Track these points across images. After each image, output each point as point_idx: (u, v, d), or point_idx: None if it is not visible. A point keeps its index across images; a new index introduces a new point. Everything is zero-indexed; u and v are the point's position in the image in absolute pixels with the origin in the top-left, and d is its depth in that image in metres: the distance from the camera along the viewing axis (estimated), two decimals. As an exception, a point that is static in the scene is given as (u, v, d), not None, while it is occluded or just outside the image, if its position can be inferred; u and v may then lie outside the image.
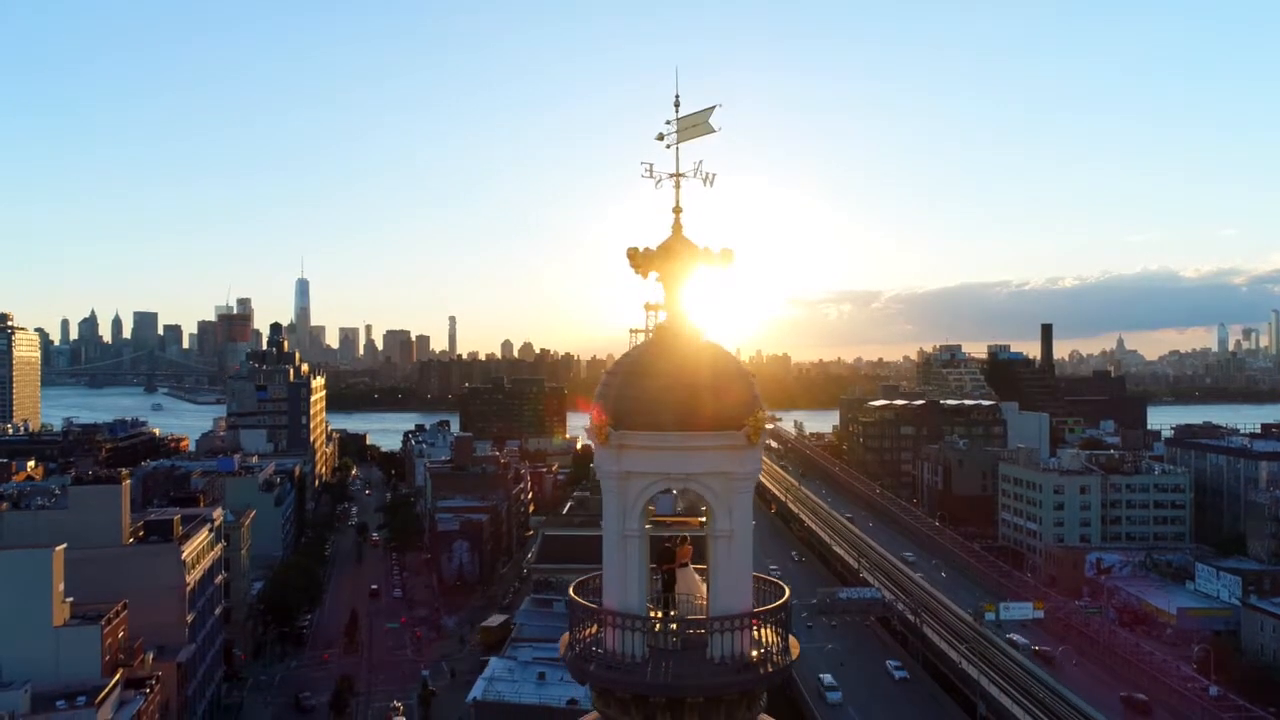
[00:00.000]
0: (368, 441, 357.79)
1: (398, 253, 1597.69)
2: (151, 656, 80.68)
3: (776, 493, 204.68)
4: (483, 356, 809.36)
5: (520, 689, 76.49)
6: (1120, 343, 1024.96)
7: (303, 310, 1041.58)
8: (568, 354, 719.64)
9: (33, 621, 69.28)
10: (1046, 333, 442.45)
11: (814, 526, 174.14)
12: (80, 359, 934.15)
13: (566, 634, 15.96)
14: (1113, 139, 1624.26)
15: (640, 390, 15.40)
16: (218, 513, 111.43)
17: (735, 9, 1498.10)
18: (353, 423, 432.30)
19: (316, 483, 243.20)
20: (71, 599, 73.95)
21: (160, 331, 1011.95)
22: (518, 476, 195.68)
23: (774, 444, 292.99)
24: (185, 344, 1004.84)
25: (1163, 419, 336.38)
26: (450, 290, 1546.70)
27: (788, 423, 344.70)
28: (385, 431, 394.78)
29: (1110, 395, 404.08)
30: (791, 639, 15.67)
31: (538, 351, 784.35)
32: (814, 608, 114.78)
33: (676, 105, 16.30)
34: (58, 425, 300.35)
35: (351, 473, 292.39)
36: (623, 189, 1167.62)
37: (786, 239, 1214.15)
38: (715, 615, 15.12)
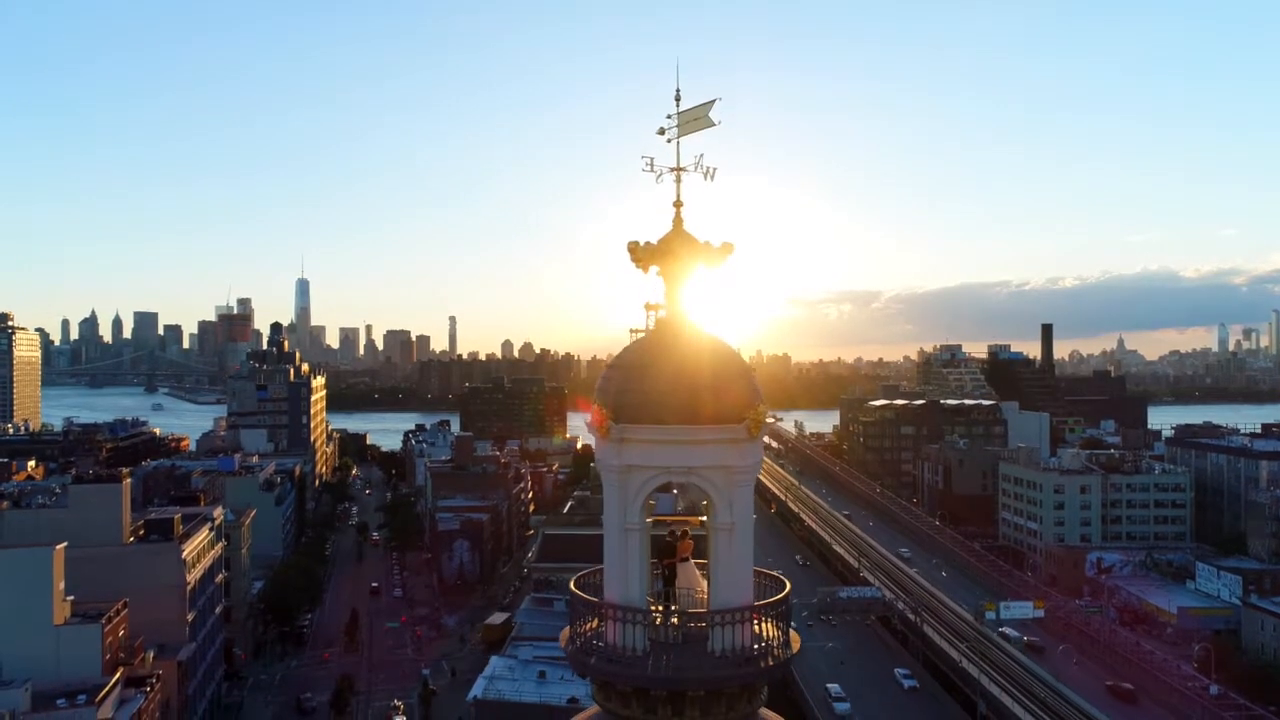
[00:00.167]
0: (368, 441, 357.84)
1: (398, 253, 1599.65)
2: (152, 655, 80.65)
3: (776, 492, 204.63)
4: (483, 356, 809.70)
5: (521, 687, 76.47)
6: (1120, 343, 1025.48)
7: (303, 310, 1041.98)
8: (568, 354, 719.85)
9: (33, 620, 69.30)
10: (1047, 333, 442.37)
11: (814, 526, 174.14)
12: (80, 359, 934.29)
13: (567, 628, 15.98)
14: (1113, 139, 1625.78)
15: (641, 384, 15.42)
16: (218, 512, 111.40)
17: (735, 9, 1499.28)
18: (353, 423, 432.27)
19: (317, 482, 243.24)
20: (72, 598, 73.96)
21: (160, 331, 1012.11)
22: (518, 476, 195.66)
23: (774, 444, 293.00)
24: (185, 344, 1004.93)
25: (1163, 419, 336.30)
26: (450, 290, 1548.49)
27: (788, 423, 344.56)
28: (385, 431, 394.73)
29: (1110, 395, 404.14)
30: (792, 633, 15.70)
31: (538, 351, 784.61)
32: (814, 607, 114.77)
33: (677, 100, 16.34)
34: (58, 425, 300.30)
35: (352, 472, 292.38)
36: (623, 189, 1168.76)
37: (786, 239, 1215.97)
38: (716, 609, 15.14)
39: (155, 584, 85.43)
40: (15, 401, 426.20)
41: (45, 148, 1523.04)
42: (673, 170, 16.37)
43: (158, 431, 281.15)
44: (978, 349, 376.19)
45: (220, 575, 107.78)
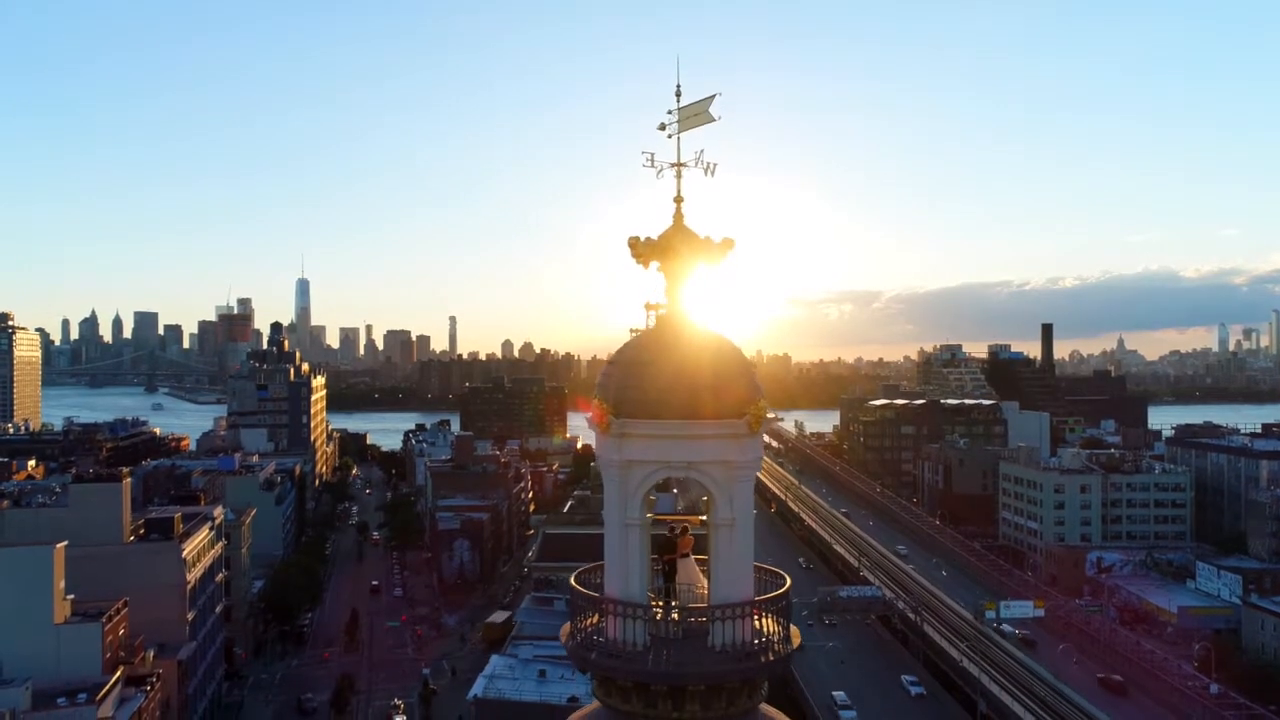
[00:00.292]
0: (368, 441, 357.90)
1: (398, 253, 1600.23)
2: (152, 654, 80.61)
3: (777, 491, 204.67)
4: (483, 356, 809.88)
5: (521, 686, 76.47)
6: (1121, 343, 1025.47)
7: (303, 310, 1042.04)
8: (568, 354, 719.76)
9: (33, 619, 69.23)
10: (1047, 333, 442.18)
11: (814, 525, 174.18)
12: (81, 359, 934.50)
13: (568, 623, 15.99)
14: (1113, 139, 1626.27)
15: (642, 379, 15.42)
16: (218, 511, 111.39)
17: (735, 9, 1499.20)
18: (353, 422, 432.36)
19: (317, 482, 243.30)
20: (72, 596, 73.89)
21: (161, 331, 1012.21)
22: (518, 475, 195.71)
23: (774, 443, 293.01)
24: (186, 344, 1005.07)
25: (1163, 419, 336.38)
26: (450, 290, 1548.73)
27: (788, 422, 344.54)
28: (386, 431, 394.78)
29: (1111, 395, 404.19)
30: (793, 628, 15.71)
31: (538, 351, 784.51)
32: (815, 606, 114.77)
33: (678, 95, 16.35)
34: (58, 425, 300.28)
35: (352, 472, 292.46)
36: (623, 189, 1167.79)
37: (786, 239, 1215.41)
38: (717, 603, 15.15)
39: (155, 583, 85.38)
40: (15, 401, 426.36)
41: (45, 148, 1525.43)
42: (673, 165, 16.38)
43: (158, 431, 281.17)
44: (978, 349, 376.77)
45: (220, 574, 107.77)
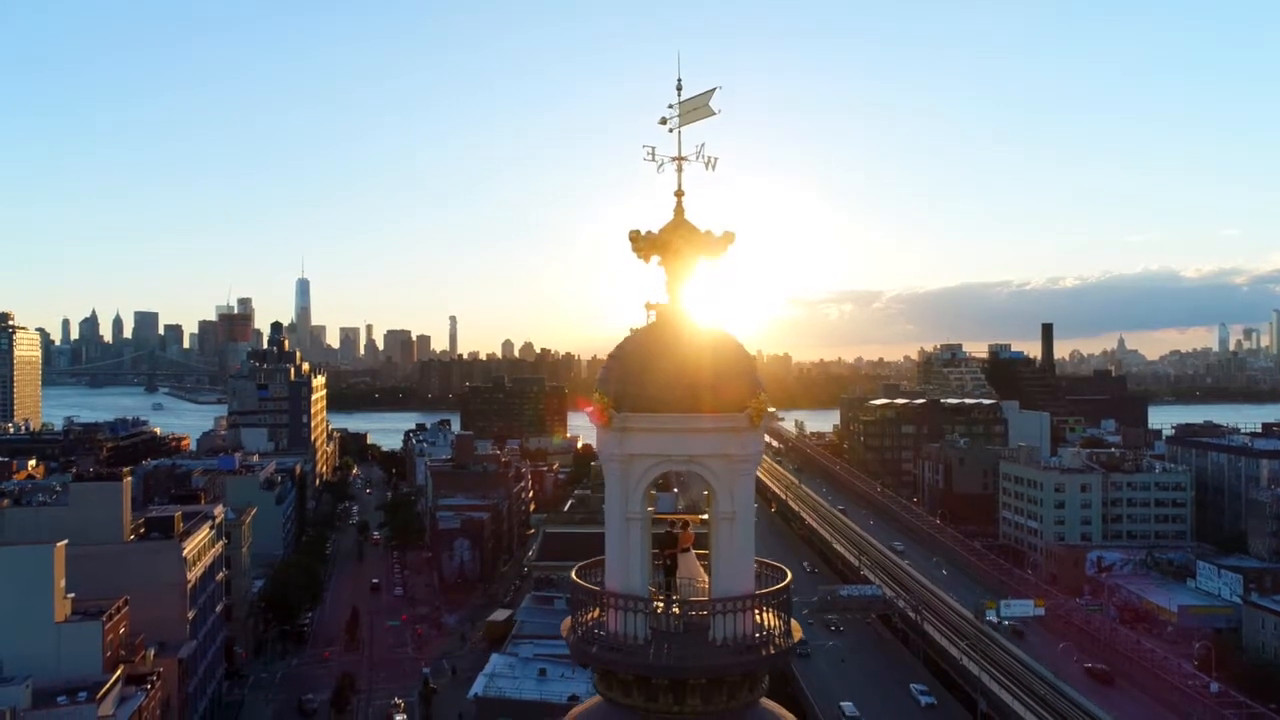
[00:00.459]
0: (368, 441, 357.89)
1: (398, 253, 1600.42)
2: (152, 653, 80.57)
3: (777, 491, 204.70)
4: (483, 356, 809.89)
5: (521, 685, 76.47)
6: (1121, 342, 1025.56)
7: (303, 310, 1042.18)
8: (568, 354, 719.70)
9: (34, 617, 69.19)
10: (1047, 332, 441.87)
11: (815, 525, 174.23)
12: (81, 359, 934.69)
13: (569, 618, 15.99)
14: (1113, 139, 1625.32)
15: (643, 373, 15.43)
16: (219, 510, 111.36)
17: (735, 9, 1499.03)
18: (353, 422, 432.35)
19: (317, 481, 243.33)
20: (73, 595, 73.82)
21: (161, 331, 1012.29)
22: (518, 475, 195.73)
23: (775, 443, 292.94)
24: (186, 344, 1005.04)
25: (1163, 419, 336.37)
26: (450, 290, 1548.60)
27: (788, 422, 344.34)
28: (386, 431, 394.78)
29: (1111, 395, 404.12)
30: (793, 622, 15.72)
31: (538, 351, 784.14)
32: (815, 605, 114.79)
33: (679, 89, 16.36)
34: (59, 425, 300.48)
35: (352, 472, 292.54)
36: (623, 189, 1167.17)
37: (786, 239, 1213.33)
38: (717, 597, 15.16)
39: (156, 582, 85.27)
40: (16, 401, 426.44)
41: (45, 148, 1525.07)
42: (674, 159, 16.41)
43: (158, 431, 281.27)
44: (978, 349, 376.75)
45: (221, 573, 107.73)
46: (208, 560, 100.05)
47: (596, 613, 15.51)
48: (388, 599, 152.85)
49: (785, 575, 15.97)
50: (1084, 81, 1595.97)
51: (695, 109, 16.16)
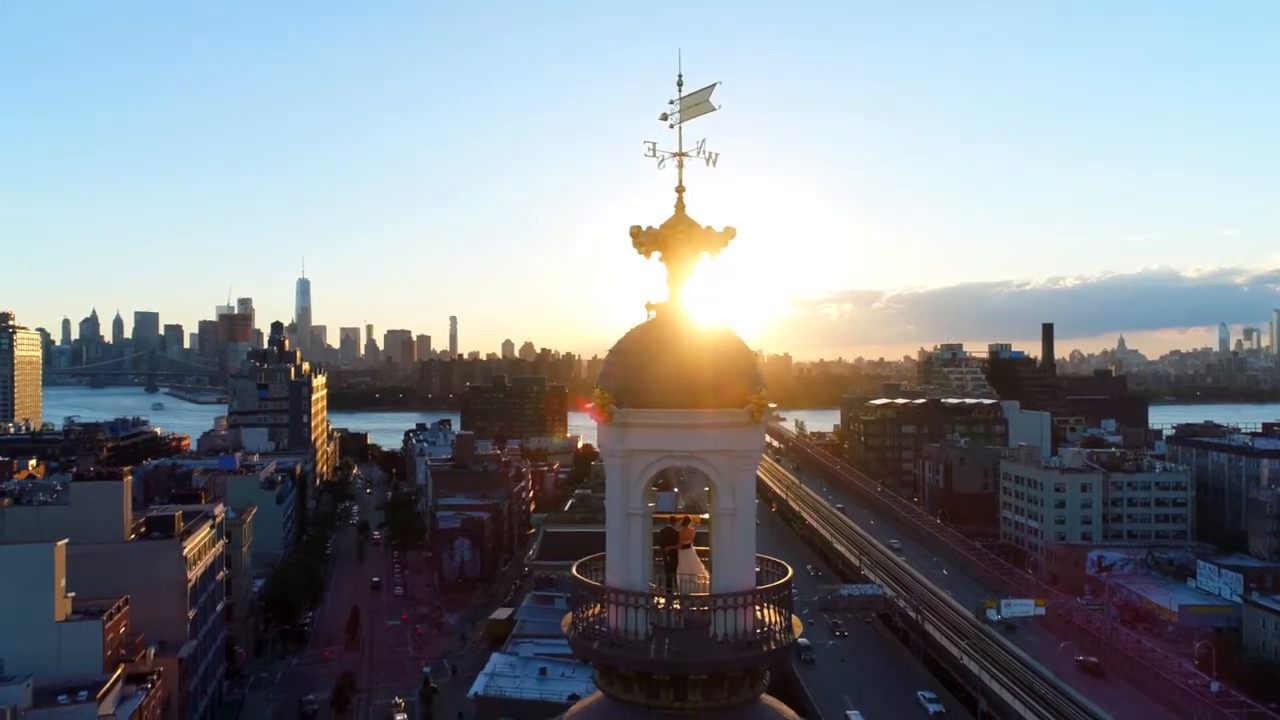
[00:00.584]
0: (369, 441, 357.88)
1: (398, 253, 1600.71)
2: (153, 652, 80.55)
3: (778, 491, 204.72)
4: (484, 356, 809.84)
5: (521, 684, 76.43)
6: (1121, 342, 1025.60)
7: (304, 310, 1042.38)
8: (569, 354, 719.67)
9: (34, 616, 69.13)
10: (1048, 332, 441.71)
11: (815, 525, 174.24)
12: (81, 359, 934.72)
13: (570, 614, 15.97)
14: (1113, 139, 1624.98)
15: (643, 368, 15.42)
16: (219, 510, 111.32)
17: (735, 9, 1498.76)
18: (354, 422, 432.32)
19: (318, 481, 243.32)
20: (73, 594, 73.74)
21: (161, 331, 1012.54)
22: (519, 475, 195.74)
23: (775, 443, 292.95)
24: (186, 344, 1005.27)
25: (1164, 418, 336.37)
26: (451, 290, 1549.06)
27: (789, 422, 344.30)
28: (386, 431, 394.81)
29: (1111, 395, 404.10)
30: (794, 618, 15.71)
31: (539, 351, 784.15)
32: (815, 604, 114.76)
33: (679, 85, 16.36)
34: (59, 425, 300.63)
35: (353, 472, 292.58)
36: (623, 189, 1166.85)
37: (786, 239, 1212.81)
38: (718, 592, 15.15)
39: (156, 581, 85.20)
40: (16, 401, 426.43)
41: (45, 148, 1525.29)
42: (675, 155, 16.41)
43: (158, 431, 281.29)
44: (979, 349, 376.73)
45: (221, 573, 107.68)
46: (208, 560, 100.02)
47: (597, 609, 15.49)
48: (388, 598, 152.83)
49: (786, 571, 15.96)
50: (1084, 81, 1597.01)
51: (696, 104, 16.16)
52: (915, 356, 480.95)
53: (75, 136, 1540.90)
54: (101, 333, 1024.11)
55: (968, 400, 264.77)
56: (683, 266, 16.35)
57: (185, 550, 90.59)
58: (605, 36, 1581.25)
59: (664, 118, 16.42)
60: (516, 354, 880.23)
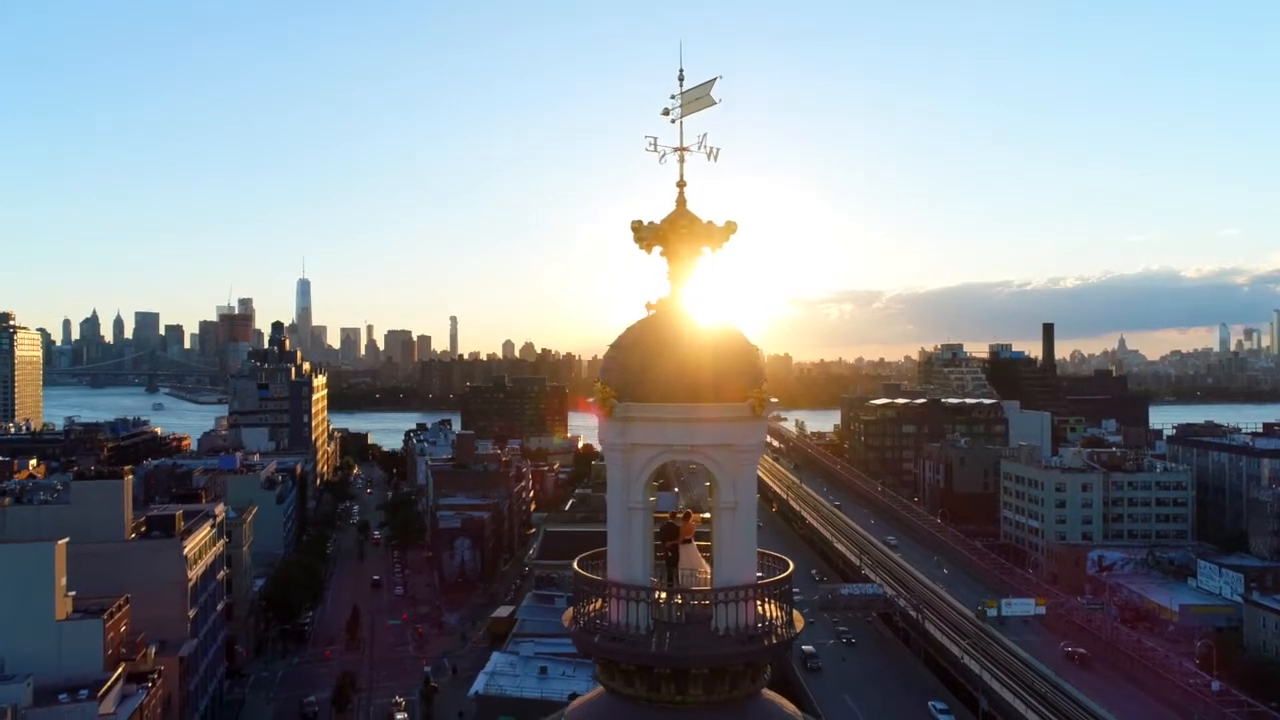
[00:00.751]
0: (369, 441, 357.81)
1: (398, 253, 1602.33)
2: (153, 651, 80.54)
3: (778, 491, 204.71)
4: (484, 356, 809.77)
5: (522, 683, 76.38)
6: (1122, 342, 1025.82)
7: (304, 310, 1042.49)
8: (569, 354, 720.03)
9: (35, 615, 69.14)
10: (1048, 332, 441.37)
11: (816, 524, 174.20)
12: (82, 359, 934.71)
13: (571, 609, 15.98)
14: (1113, 139, 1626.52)
15: (645, 363, 15.42)
16: (219, 509, 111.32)
17: (735, 9, 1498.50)
18: (354, 422, 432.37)
19: (318, 481, 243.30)
20: (74, 593, 73.73)
21: (162, 331, 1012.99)
22: (519, 474, 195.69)
23: (775, 443, 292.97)
24: (187, 344, 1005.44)
25: (1164, 418, 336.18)
26: (451, 290, 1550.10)
27: (789, 422, 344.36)
28: (387, 431, 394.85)
29: (1112, 395, 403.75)
30: (795, 614, 15.71)
31: (539, 351, 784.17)
32: (817, 604, 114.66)
33: (681, 79, 16.36)
34: (59, 425, 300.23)
35: (353, 471, 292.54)
36: (623, 189, 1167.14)
37: (786, 239, 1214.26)
38: (719, 587, 15.15)
39: (157, 580, 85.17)
40: (17, 401, 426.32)
41: (45, 148, 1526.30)
42: (676, 150, 16.42)
43: (159, 431, 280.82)
44: (979, 349, 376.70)
45: (222, 572, 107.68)
46: (209, 559, 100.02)
47: (599, 604, 15.51)
48: (388, 598, 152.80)
49: (787, 566, 15.97)
50: (1084, 81, 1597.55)
51: (697, 99, 16.17)
52: (915, 356, 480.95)
53: (75, 136, 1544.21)
54: (102, 333, 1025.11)
55: (968, 400, 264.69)
56: (684, 261, 16.35)
57: (186, 549, 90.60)
58: (605, 36, 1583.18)
59: (665, 112, 16.44)
60: (517, 354, 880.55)
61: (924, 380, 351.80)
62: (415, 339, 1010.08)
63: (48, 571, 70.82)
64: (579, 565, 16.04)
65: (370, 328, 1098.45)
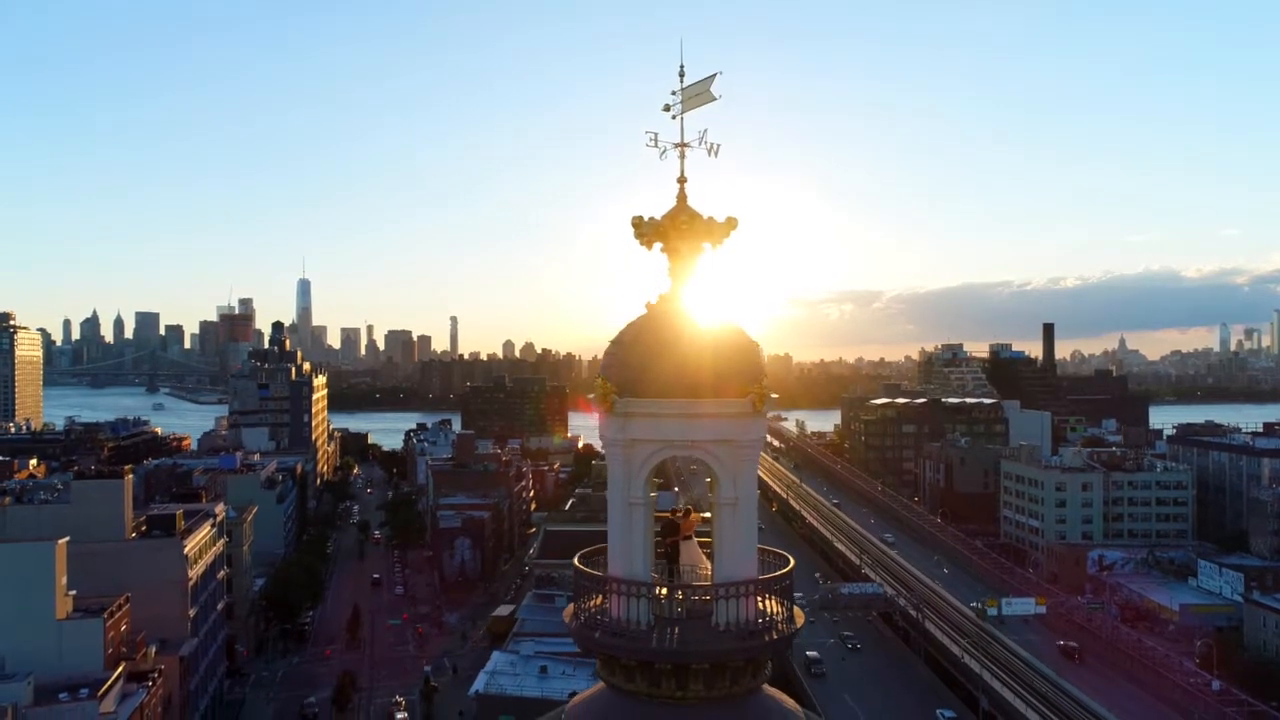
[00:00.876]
0: (369, 441, 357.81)
1: (398, 253, 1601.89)
2: (154, 650, 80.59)
3: (779, 490, 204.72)
4: (484, 356, 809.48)
5: (522, 682, 76.46)
6: (1122, 342, 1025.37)
7: (304, 310, 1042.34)
8: (569, 354, 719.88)
9: (35, 614, 69.18)
10: (1048, 332, 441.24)
11: (816, 524, 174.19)
12: (82, 359, 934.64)
13: (571, 605, 15.98)
14: (1113, 139, 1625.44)
15: (645, 358, 15.43)
16: (220, 508, 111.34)
17: (735, 9, 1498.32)
18: (355, 422, 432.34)
19: (318, 481, 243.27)
20: (74, 592, 73.78)
21: (162, 331, 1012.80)
22: (519, 474, 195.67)
23: (776, 442, 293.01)
24: (187, 344, 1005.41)
25: (1165, 418, 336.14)
26: (451, 290, 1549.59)
27: (789, 422, 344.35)
28: (387, 431, 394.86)
29: (1112, 394, 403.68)
30: (796, 609, 15.72)
31: (539, 351, 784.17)
32: (817, 603, 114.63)
33: (681, 75, 16.37)
34: (60, 425, 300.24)
35: (353, 471, 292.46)
36: (623, 189, 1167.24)
37: (786, 239, 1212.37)
38: (720, 582, 15.16)
39: (157, 579, 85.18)
40: (17, 401, 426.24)
41: (45, 148, 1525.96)
42: (676, 146, 16.43)
43: (159, 431, 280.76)
44: (979, 349, 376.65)
45: (222, 571, 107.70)
46: (209, 558, 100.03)
47: (600, 599, 15.51)
48: (389, 598, 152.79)
49: (788, 562, 15.97)
50: (1084, 81, 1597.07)
51: (697, 94, 16.19)
52: (916, 356, 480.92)
53: (75, 136, 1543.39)
54: (102, 333, 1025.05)
55: (968, 400, 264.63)
56: (685, 257, 16.36)
57: (186, 549, 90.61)
58: (605, 36, 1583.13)
59: (666, 108, 16.46)
60: (517, 354, 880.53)
61: (924, 380, 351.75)
62: (415, 339, 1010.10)
63: (48, 571, 70.86)
64: (579, 561, 16.04)
65: (370, 328, 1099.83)
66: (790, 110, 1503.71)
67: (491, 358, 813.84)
